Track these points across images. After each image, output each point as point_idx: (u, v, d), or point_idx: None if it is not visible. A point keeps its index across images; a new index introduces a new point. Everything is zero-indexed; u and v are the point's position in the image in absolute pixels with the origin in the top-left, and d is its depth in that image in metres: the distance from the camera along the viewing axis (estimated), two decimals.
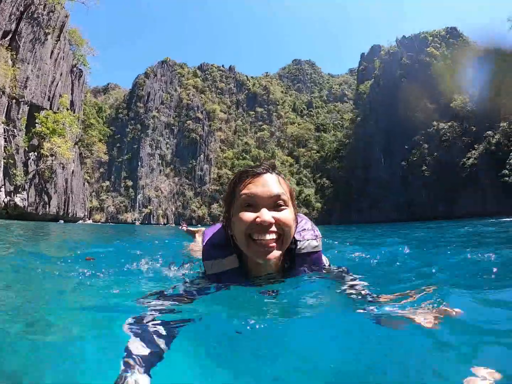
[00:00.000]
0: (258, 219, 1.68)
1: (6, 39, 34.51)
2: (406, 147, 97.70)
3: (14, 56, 34.61)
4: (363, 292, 1.87)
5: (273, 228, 1.70)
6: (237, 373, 1.60)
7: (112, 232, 20.11)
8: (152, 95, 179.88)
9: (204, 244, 2.05)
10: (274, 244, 1.71)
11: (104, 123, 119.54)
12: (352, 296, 1.86)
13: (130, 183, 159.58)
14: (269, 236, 1.69)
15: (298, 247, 1.98)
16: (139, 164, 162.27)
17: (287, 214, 1.76)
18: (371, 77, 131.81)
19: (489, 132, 75.53)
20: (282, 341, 1.73)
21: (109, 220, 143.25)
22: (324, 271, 2.10)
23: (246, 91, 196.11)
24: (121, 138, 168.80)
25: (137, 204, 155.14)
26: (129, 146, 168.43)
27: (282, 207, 1.76)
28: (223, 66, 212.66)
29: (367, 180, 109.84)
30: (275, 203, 1.75)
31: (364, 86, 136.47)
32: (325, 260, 2.21)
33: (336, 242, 7.60)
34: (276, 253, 1.73)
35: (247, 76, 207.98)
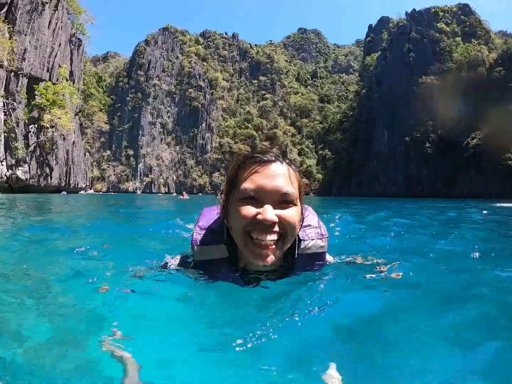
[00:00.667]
0: (260, 216, 1.43)
1: (2, 11, 33.57)
2: (410, 122, 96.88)
3: (11, 28, 33.81)
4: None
5: (276, 228, 1.47)
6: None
7: (114, 202, 20.20)
8: (153, 63, 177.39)
9: (196, 226, 1.81)
10: (274, 246, 1.49)
11: (104, 92, 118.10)
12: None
13: (131, 152, 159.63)
14: (269, 237, 1.46)
15: (302, 247, 1.75)
16: (140, 133, 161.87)
17: (293, 213, 1.52)
18: (378, 50, 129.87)
19: (495, 113, 74.35)
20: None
21: (110, 190, 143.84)
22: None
23: (250, 59, 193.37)
24: (122, 107, 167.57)
25: (138, 173, 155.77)
26: (129, 115, 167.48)
27: (289, 205, 1.51)
28: (226, 33, 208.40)
29: (368, 153, 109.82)
30: (281, 200, 1.49)
31: (371, 58, 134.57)
32: (330, 258, 1.98)
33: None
34: (274, 257, 1.51)
35: (250, 44, 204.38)
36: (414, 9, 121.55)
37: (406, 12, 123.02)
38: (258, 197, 1.47)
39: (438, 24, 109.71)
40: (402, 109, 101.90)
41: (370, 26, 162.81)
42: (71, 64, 51.56)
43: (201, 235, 1.76)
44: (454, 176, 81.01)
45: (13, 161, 33.65)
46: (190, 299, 1.72)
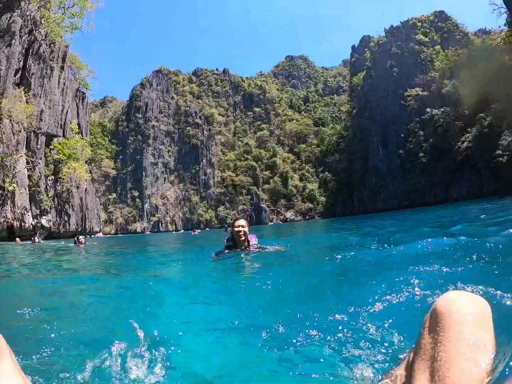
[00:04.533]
0: (239, 229, 6.64)
1: (16, 77, 37.55)
2: (402, 135, 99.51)
3: (27, 92, 37.66)
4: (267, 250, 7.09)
5: (242, 233, 6.61)
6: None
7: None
8: (150, 105, 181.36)
9: (226, 239, 7.03)
10: (243, 237, 6.64)
11: (107, 137, 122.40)
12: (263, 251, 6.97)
13: (136, 193, 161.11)
14: (242, 235, 6.63)
15: (248, 239, 6.82)
16: (144, 174, 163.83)
17: (247, 229, 6.68)
18: (363, 69, 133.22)
19: (481, 115, 76.54)
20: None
21: (118, 231, 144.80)
22: (256, 247, 6.89)
23: (242, 92, 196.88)
24: (123, 150, 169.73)
25: (145, 213, 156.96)
26: (132, 157, 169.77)
27: (245, 229, 6.67)
28: (217, 69, 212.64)
29: (366, 170, 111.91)
30: (243, 227, 6.66)
31: (357, 78, 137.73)
32: (257, 242, 6.98)
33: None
34: (243, 239, 6.67)
35: (241, 77, 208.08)
36: (392, 25, 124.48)
37: (385, 29, 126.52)
38: (238, 227, 6.68)
39: (416, 36, 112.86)
40: (393, 123, 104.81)
41: (353, 46, 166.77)
42: (77, 117, 55.27)
43: (226, 240, 7.03)
44: (451, 181, 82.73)
45: (38, 211, 36.97)
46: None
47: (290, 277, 4.80)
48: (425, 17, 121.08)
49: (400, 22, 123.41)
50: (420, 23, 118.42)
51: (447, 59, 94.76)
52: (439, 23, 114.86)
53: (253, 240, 6.96)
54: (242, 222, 6.84)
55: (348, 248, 8.28)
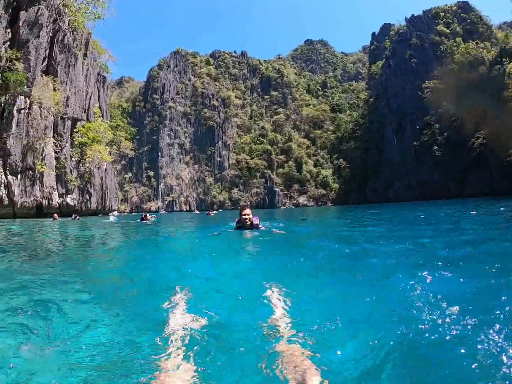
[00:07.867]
0: (246, 216, 9.30)
1: (43, 65, 39.64)
2: (417, 127, 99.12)
3: (55, 80, 39.92)
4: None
5: (248, 219, 9.29)
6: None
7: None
8: (167, 86, 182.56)
9: (236, 221, 9.74)
10: (248, 221, 9.29)
11: (126, 119, 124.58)
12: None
13: (151, 173, 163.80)
14: (247, 220, 9.31)
15: (253, 222, 9.42)
16: (159, 154, 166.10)
17: (251, 215, 9.38)
18: (383, 57, 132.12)
19: (497, 112, 75.51)
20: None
21: (133, 210, 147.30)
22: (260, 227, 9.68)
23: (260, 75, 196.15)
24: (140, 130, 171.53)
25: (160, 193, 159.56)
26: (148, 138, 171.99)
27: (250, 215, 9.35)
28: (235, 52, 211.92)
29: (381, 160, 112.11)
30: (248, 215, 9.31)
31: (376, 67, 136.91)
32: (260, 224, 9.80)
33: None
34: (249, 224, 9.31)
35: (259, 60, 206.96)
36: (413, 15, 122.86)
37: (406, 18, 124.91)
38: (244, 215, 9.33)
39: (438, 27, 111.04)
40: (409, 115, 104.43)
41: (373, 34, 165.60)
42: (99, 101, 57.31)
43: (236, 222, 9.80)
44: (464, 176, 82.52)
45: (63, 191, 39.71)
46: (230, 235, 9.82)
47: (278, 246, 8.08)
48: (448, 7, 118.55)
49: (423, 11, 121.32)
50: (443, 13, 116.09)
51: (468, 52, 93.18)
52: (462, 14, 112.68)
53: (256, 221, 9.47)
54: (247, 211, 9.42)
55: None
